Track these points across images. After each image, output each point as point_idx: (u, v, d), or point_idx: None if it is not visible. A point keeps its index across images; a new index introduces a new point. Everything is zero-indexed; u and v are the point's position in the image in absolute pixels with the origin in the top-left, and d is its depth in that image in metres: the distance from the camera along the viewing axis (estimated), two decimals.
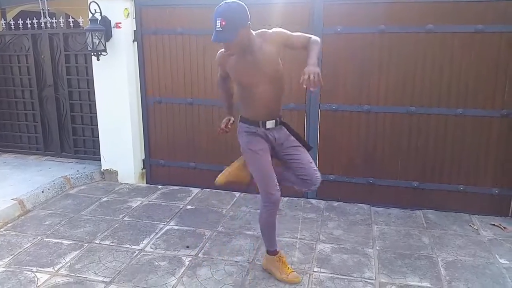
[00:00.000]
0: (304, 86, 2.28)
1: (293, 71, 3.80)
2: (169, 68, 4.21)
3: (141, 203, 3.98)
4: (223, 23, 2.23)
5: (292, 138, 2.69)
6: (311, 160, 2.71)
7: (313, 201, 3.97)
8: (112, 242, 3.21)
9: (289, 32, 2.50)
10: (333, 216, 3.66)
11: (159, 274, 2.78)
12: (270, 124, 2.59)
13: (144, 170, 4.56)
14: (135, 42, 4.25)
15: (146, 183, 4.55)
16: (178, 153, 4.37)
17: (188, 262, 2.92)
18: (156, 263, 2.91)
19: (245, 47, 2.40)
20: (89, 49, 4.01)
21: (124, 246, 3.16)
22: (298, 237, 3.28)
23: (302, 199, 4.01)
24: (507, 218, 3.59)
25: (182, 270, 2.82)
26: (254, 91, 2.49)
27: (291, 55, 3.79)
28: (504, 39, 3.35)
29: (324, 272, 2.80)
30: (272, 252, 2.76)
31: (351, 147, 3.85)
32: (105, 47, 4.04)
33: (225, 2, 2.30)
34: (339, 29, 3.66)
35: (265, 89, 2.48)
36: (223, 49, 2.48)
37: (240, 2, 2.32)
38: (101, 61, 4.15)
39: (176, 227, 3.46)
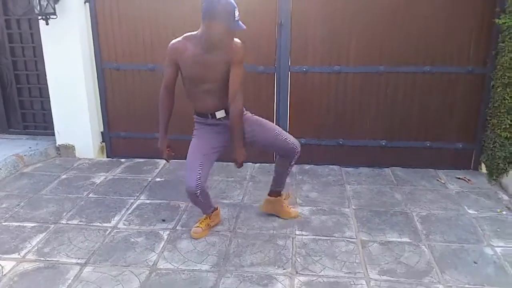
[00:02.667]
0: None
1: (263, 31, 3.67)
2: (126, 31, 3.89)
3: (105, 178, 3.75)
4: (239, 13, 2.33)
5: (254, 120, 2.68)
6: (278, 131, 2.72)
7: None
8: (80, 221, 3.01)
9: (238, 66, 2.46)
10: (307, 179, 3.65)
11: (138, 250, 2.65)
12: (220, 114, 2.60)
13: (103, 144, 4.29)
14: (87, 3, 3.87)
15: (107, 157, 4.30)
16: (141, 124, 4.14)
17: (166, 236, 2.81)
18: (133, 240, 2.77)
19: (220, 43, 2.38)
20: (36, 12, 3.60)
21: (94, 224, 2.97)
22: None
23: (274, 164, 3.95)
24: (469, 171, 3.76)
25: (161, 245, 2.70)
26: (200, 87, 2.51)
27: (260, 16, 3.64)
28: None
29: (306, 235, 2.79)
30: None
31: (321, 109, 3.82)
32: (54, 9, 3.65)
33: None
34: None
35: (210, 87, 2.51)
36: (175, 41, 2.49)
37: None
38: (50, 26, 3.75)
39: (148, 201, 3.31)
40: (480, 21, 3.44)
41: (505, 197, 3.25)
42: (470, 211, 3.07)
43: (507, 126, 3.30)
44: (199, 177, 2.53)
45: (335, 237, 2.77)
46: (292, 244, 2.69)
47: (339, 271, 2.42)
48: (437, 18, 3.46)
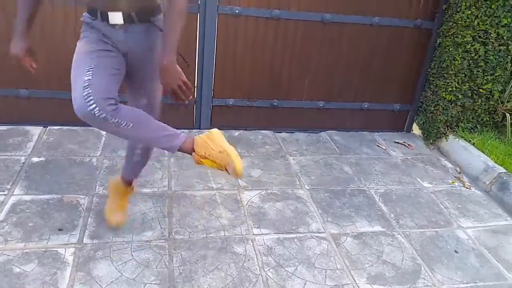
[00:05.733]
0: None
1: None
2: None
3: None
4: None
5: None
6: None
7: None
8: None
9: None
10: (242, 151, 2.98)
11: None
12: (115, 17, 1.58)
13: None
14: None
15: None
16: None
17: (71, 258, 1.90)
18: (18, 269, 1.80)
19: None
20: None
21: None
22: (214, 187, 2.53)
23: (195, 130, 3.18)
24: (403, 133, 3.56)
25: (67, 274, 1.81)
26: None
27: None
28: None
29: (266, 233, 2.20)
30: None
31: (255, 64, 3.09)
32: None
33: None
34: None
35: None
36: None
37: None
38: None
39: (27, 198, 2.26)
40: None
41: (449, 165, 3.11)
42: (425, 184, 2.83)
43: (453, 89, 3.09)
44: (88, 85, 1.47)
45: (301, 233, 2.23)
46: (255, 251, 2.07)
47: (324, 285, 1.91)
48: None
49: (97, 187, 2.40)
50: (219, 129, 2.96)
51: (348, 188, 2.70)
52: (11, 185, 2.34)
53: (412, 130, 3.59)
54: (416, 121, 3.52)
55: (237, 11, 2.88)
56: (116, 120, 1.50)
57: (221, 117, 3.21)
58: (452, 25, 3.02)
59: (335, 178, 2.79)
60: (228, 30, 2.94)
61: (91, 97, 1.46)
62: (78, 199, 2.29)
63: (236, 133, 3.22)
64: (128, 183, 2.11)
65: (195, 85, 3.05)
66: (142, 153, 1.96)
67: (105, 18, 1.59)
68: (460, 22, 2.95)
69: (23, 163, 2.56)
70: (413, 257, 2.15)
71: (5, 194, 2.26)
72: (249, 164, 2.81)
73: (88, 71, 1.52)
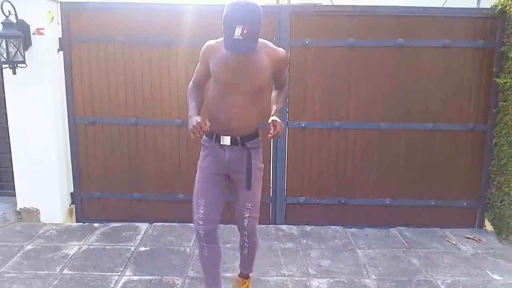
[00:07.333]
0: (269, 135, 2.10)
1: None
2: (105, 82, 3.52)
3: (79, 248, 3.20)
4: (245, 31, 1.84)
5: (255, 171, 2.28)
6: (249, 201, 2.29)
7: (284, 227, 3.59)
8: None
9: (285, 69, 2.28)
10: (312, 244, 3.32)
11: None
12: (225, 140, 2.19)
13: (72, 206, 3.75)
14: (61, 52, 3.49)
15: (77, 222, 3.74)
16: (118, 183, 3.67)
17: None
18: None
19: None
20: (2, 60, 3.15)
21: None
22: (286, 274, 2.87)
23: (271, 225, 3.62)
24: (475, 229, 3.62)
25: None
26: (225, 96, 2.12)
27: None
28: (470, 54, 3.39)
29: None
30: None
31: (321, 167, 3.58)
32: (24, 57, 3.22)
33: (242, 4, 1.87)
34: (307, 42, 3.39)
35: (237, 99, 2.10)
36: (212, 41, 2.14)
37: (255, 2, 1.92)
38: (18, 76, 3.29)
39: (135, 278, 2.80)
40: (479, 80, 3.43)
41: None
42: (495, 277, 2.86)
43: None
44: (201, 217, 2.22)
45: None
46: None
47: None
48: (438, 75, 3.43)
49: (189, 271, 2.89)
50: (292, 224, 3.47)
51: (414, 278, 2.84)
52: (123, 268, 2.92)
53: (485, 226, 3.64)
54: (487, 216, 3.59)
55: (303, 125, 3.49)
56: (206, 245, 2.26)
57: (294, 213, 3.63)
58: (504, 126, 3.29)
59: (402, 270, 2.96)
60: (297, 140, 3.52)
61: (201, 226, 2.22)
62: (174, 280, 2.78)
63: (308, 228, 3.59)
64: (245, 277, 2.57)
65: (270, 186, 3.58)
66: (249, 248, 2.42)
67: (218, 140, 2.19)
68: (510, 123, 3.21)
69: (133, 251, 3.17)
70: None
71: (118, 275, 2.83)
72: (318, 255, 3.13)
73: (202, 204, 2.21)
